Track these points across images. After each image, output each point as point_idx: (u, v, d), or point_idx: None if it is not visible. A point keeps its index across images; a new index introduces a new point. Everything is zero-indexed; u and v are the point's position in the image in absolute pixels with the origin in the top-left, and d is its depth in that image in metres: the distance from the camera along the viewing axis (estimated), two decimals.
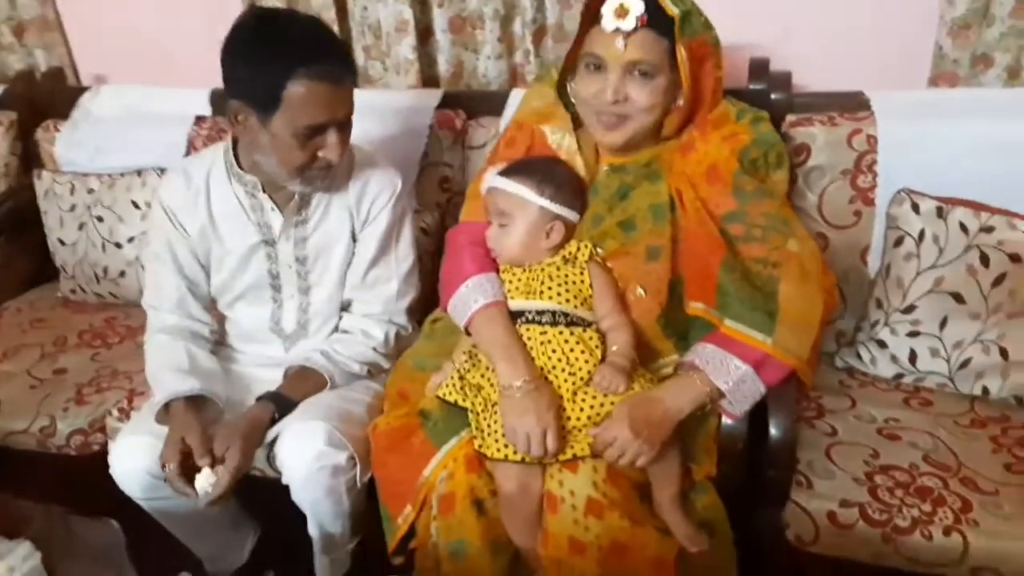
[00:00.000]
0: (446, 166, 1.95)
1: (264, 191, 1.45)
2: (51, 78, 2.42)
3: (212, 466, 1.31)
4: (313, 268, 1.52)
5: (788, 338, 1.23)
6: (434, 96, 2.00)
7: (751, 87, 1.77)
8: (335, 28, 2.15)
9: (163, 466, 1.32)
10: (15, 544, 1.17)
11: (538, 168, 1.37)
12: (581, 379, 1.24)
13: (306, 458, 1.31)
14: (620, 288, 1.34)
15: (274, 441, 1.39)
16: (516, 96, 1.90)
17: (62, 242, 2.14)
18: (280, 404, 1.42)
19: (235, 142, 1.46)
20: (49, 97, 2.38)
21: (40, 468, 1.76)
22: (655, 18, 1.26)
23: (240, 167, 1.45)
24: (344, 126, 1.36)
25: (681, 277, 1.33)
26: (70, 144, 2.22)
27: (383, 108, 1.94)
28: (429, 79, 2.17)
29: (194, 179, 1.49)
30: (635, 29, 1.26)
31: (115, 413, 1.68)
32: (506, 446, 1.21)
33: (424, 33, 2.12)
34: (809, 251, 1.31)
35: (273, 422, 1.41)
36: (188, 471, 1.32)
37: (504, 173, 1.37)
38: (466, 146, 1.97)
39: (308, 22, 1.34)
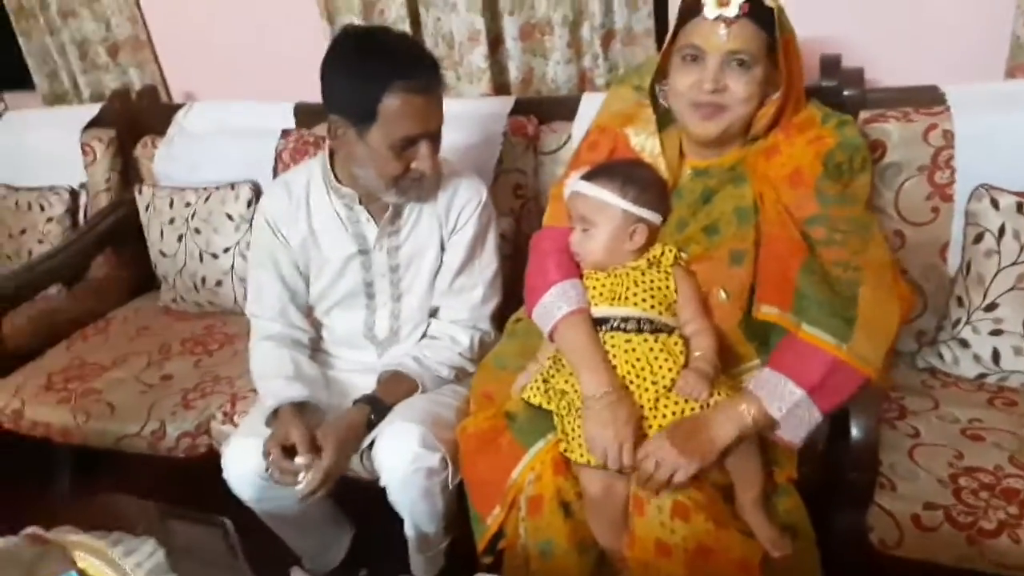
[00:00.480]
0: (519, 172, 2.00)
1: (360, 203, 1.54)
2: (145, 96, 2.56)
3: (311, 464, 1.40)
4: (405, 276, 1.61)
5: (864, 346, 1.22)
6: (507, 103, 2.04)
7: (823, 84, 1.76)
8: None
9: (267, 454, 1.42)
10: (140, 541, 1.24)
11: (620, 171, 1.39)
12: (664, 387, 1.26)
13: (404, 460, 1.39)
14: (703, 292, 1.36)
15: (371, 444, 1.47)
16: (588, 100, 1.94)
17: (163, 254, 2.27)
18: (376, 407, 1.50)
19: (331, 155, 1.55)
20: (145, 114, 2.51)
21: (151, 469, 1.87)
22: (755, 8, 1.27)
23: (337, 180, 1.54)
24: (435, 137, 1.44)
25: (756, 281, 1.34)
26: (167, 160, 2.35)
27: (458, 117, 1.95)
28: (500, 87, 2.22)
29: (295, 192, 1.58)
30: (737, 17, 1.27)
31: (219, 416, 1.79)
32: (590, 451, 1.25)
33: (494, 41, 2.17)
34: (888, 259, 1.31)
35: (369, 424, 1.48)
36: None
37: (587, 177, 1.39)
38: (539, 152, 2.01)
39: (401, 37, 1.44)
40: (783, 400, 1.21)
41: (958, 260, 1.62)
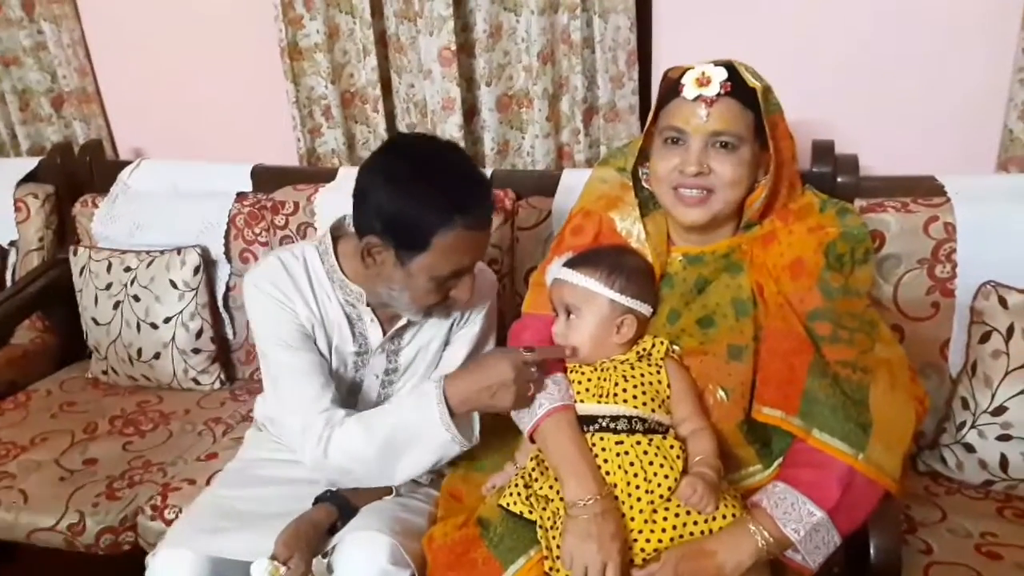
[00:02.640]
0: (494, 248, 1.88)
1: (367, 303, 1.38)
2: (89, 151, 2.39)
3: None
4: (399, 380, 1.46)
5: (881, 455, 1.13)
6: None
7: (815, 170, 1.71)
8: (379, 105, 2.12)
9: None
10: None
11: (607, 258, 1.30)
12: (661, 496, 1.14)
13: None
14: (698, 390, 1.25)
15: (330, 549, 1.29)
16: (569, 176, 1.86)
17: (96, 321, 2.08)
18: (342, 508, 1.32)
19: (335, 245, 1.38)
20: (87, 171, 2.34)
21: (66, 568, 1.66)
22: (738, 89, 1.21)
23: (344, 273, 1.37)
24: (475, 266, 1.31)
25: (755, 378, 1.23)
26: (108, 220, 2.17)
27: None
28: (473, 158, 2.10)
29: (293, 271, 1.38)
30: (719, 95, 1.20)
31: (148, 511, 1.59)
32: (566, 566, 1.11)
33: (470, 111, 2.09)
34: (898, 357, 1.23)
35: (333, 529, 1.31)
36: None
37: (570, 264, 1.30)
38: (515, 227, 1.91)
39: (460, 161, 1.28)
40: (801, 522, 1.10)
41: (959, 359, 1.54)
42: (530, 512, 1.20)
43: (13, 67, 2.51)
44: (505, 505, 1.23)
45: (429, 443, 1.29)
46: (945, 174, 1.65)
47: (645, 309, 1.29)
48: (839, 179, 1.67)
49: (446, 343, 1.46)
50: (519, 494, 1.23)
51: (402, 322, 1.39)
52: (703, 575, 1.08)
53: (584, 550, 1.09)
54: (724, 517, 1.13)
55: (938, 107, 1.81)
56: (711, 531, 1.12)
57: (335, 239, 1.39)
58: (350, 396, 1.43)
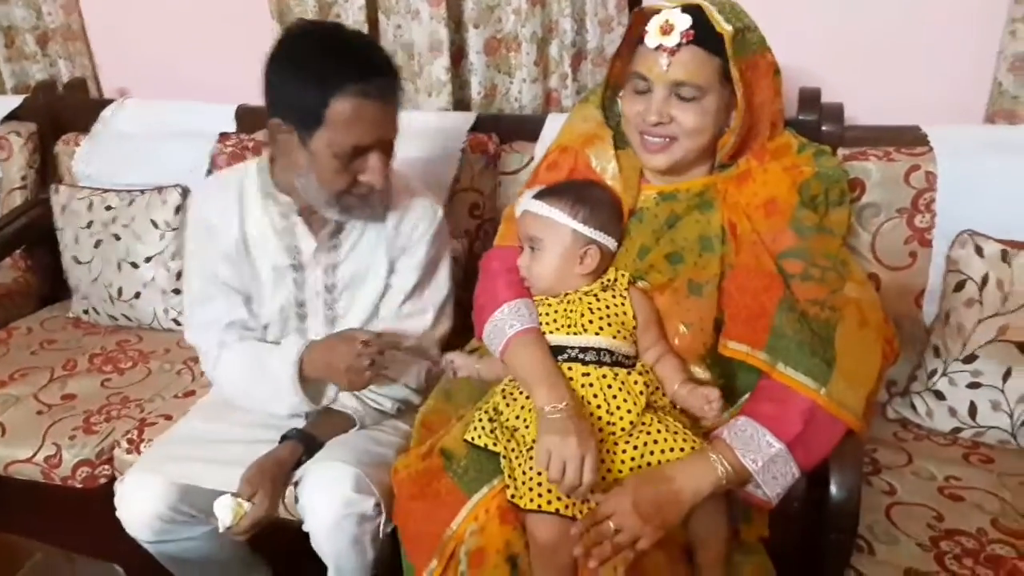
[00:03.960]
0: (477, 192, 1.88)
1: (299, 215, 1.38)
2: (73, 89, 2.37)
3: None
4: (341, 298, 1.44)
5: (844, 392, 1.13)
6: (467, 119, 1.93)
7: (800, 117, 1.69)
8: None
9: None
10: None
11: (572, 190, 1.30)
12: (622, 429, 1.15)
13: (333, 505, 1.22)
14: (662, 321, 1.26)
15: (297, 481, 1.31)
16: (553, 120, 1.83)
17: (77, 260, 2.07)
18: (308, 444, 1.34)
19: (271, 160, 1.39)
20: (71, 109, 2.32)
21: (43, 501, 1.67)
22: (705, 35, 1.18)
23: (275, 187, 1.38)
24: (388, 149, 1.29)
25: (723, 314, 1.24)
26: (90, 159, 2.16)
27: (414, 130, 1.82)
28: (460, 102, 2.11)
29: (227, 191, 1.40)
30: (679, 46, 1.18)
31: (124, 444, 1.60)
32: (540, 496, 1.12)
33: (457, 54, 2.06)
34: (869, 298, 1.23)
35: (299, 463, 1.32)
36: None
37: (539, 196, 1.30)
38: (498, 171, 1.90)
39: (356, 36, 1.28)
40: (759, 453, 1.10)
41: (934, 308, 1.54)
42: (494, 444, 1.21)
43: None
44: (470, 439, 1.24)
45: (281, 394, 1.37)
46: (930, 125, 1.64)
47: (609, 242, 1.28)
48: (824, 128, 1.65)
49: (391, 271, 1.44)
50: (484, 428, 1.24)
51: (331, 226, 1.38)
52: (661, 499, 1.08)
53: (562, 445, 1.08)
54: (683, 450, 1.14)
55: (928, 59, 1.78)
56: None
57: (272, 156, 1.38)
58: (299, 320, 1.44)
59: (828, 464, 1.15)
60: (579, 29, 1.95)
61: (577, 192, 1.29)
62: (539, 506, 1.12)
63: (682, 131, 1.23)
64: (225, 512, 1.22)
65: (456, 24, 2.02)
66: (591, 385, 1.18)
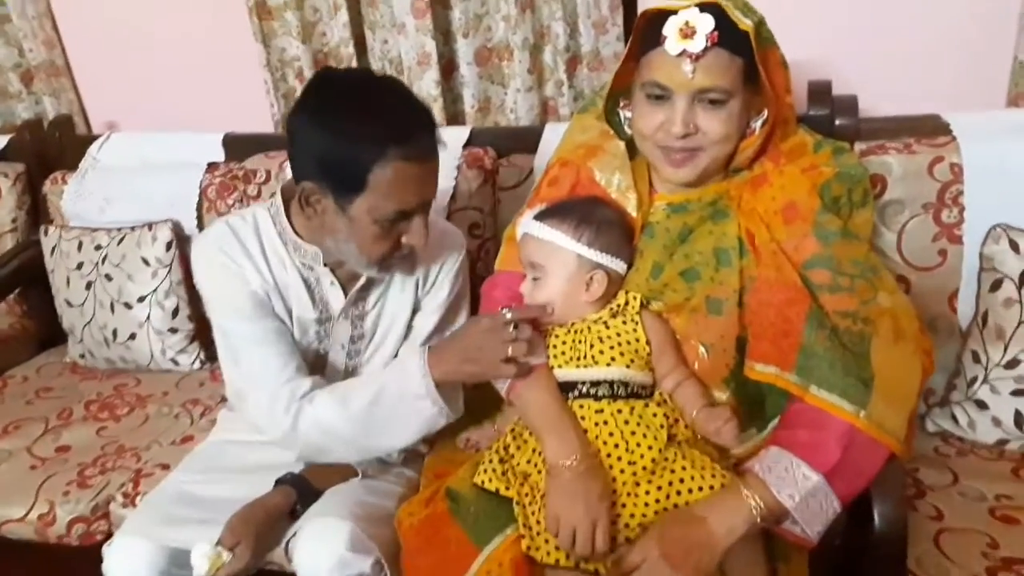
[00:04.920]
0: (476, 210, 1.79)
1: (324, 264, 1.28)
2: (59, 127, 2.30)
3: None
4: (365, 348, 1.36)
5: (884, 413, 1.04)
6: (461, 134, 1.84)
7: (812, 113, 1.59)
8: (353, 64, 2.01)
9: None
10: None
11: (576, 210, 1.21)
12: (644, 468, 1.06)
13: (326, 566, 1.13)
14: (680, 344, 1.17)
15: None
16: (551, 131, 1.75)
17: (69, 303, 2.00)
18: (302, 491, 1.25)
19: (285, 203, 1.28)
20: (58, 147, 2.25)
21: (38, 561, 1.60)
22: (726, 34, 1.08)
23: (297, 234, 1.27)
24: (428, 207, 1.19)
25: (746, 332, 1.14)
26: (77, 196, 2.08)
27: None
28: (453, 116, 2.03)
29: (243, 236, 1.28)
30: (705, 50, 1.08)
31: (119, 498, 1.52)
32: (558, 548, 1.04)
33: (447, 66, 1.98)
34: (903, 307, 1.13)
35: (294, 513, 1.24)
36: None
37: (539, 217, 1.21)
38: (497, 187, 1.81)
39: (392, 90, 1.16)
40: (796, 487, 1.01)
41: (970, 310, 1.44)
42: (507, 488, 1.13)
43: None
44: (480, 483, 1.16)
45: (413, 417, 1.23)
46: (950, 112, 1.53)
47: (617, 265, 1.20)
48: (837, 122, 1.55)
49: (415, 310, 1.36)
50: (494, 470, 1.15)
51: (362, 280, 1.29)
52: (691, 543, 0.99)
53: (570, 511, 1.02)
54: (711, 488, 1.04)
55: (943, 40, 1.68)
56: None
57: (287, 200, 1.29)
58: (315, 370, 1.34)
59: (870, 493, 1.06)
60: (572, 33, 1.87)
61: (580, 212, 1.20)
62: (557, 560, 1.04)
63: (708, 140, 1.14)
64: (202, 561, 1.13)
65: (444, 35, 1.95)
66: (605, 423, 1.09)
